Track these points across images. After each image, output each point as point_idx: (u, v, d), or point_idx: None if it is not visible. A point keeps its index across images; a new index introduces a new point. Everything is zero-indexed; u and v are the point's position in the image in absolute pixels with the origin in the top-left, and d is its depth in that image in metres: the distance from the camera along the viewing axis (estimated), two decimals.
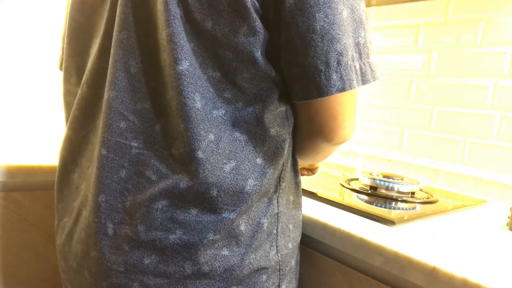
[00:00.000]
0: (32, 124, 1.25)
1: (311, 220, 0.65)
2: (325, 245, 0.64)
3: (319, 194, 0.77)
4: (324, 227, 0.63)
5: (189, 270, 0.48)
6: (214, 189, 0.48)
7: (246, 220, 0.50)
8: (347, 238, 0.60)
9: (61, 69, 0.71)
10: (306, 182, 0.87)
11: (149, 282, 0.48)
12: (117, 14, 0.50)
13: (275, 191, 0.54)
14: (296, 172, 0.59)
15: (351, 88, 0.47)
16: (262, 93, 0.49)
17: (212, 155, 0.48)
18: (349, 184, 0.88)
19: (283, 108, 0.51)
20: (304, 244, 0.69)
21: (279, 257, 0.55)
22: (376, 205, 0.75)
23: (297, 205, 0.60)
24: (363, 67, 0.49)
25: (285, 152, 0.52)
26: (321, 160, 0.64)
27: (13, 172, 0.80)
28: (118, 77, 0.50)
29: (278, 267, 0.54)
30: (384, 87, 1.20)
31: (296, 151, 0.59)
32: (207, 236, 0.48)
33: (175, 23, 0.45)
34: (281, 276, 0.55)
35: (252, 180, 0.49)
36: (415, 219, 0.68)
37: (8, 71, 1.22)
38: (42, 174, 0.82)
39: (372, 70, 0.50)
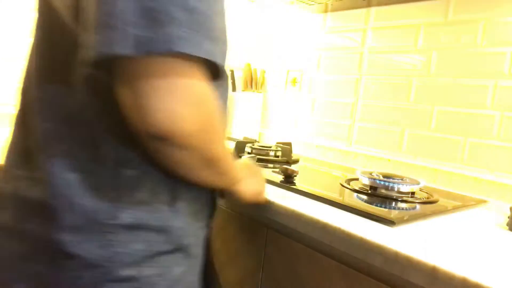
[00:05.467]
0: None
1: (311, 220, 0.65)
2: (325, 245, 0.64)
3: (319, 194, 0.77)
4: (324, 227, 0.63)
5: None
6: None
7: None
8: (347, 238, 0.60)
9: None
10: (306, 181, 0.87)
11: None
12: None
13: None
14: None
15: (112, 52, 0.40)
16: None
17: None
18: (349, 184, 0.88)
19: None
20: (304, 244, 0.69)
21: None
22: (376, 205, 0.75)
23: None
24: (147, 34, 0.40)
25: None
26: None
27: None
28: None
29: None
30: (384, 87, 1.20)
31: None
32: None
33: None
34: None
35: None
36: (415, 219, 0.68)
37: (8, 70, 1.22)
38: None
39: (166, 40, 0.40)
